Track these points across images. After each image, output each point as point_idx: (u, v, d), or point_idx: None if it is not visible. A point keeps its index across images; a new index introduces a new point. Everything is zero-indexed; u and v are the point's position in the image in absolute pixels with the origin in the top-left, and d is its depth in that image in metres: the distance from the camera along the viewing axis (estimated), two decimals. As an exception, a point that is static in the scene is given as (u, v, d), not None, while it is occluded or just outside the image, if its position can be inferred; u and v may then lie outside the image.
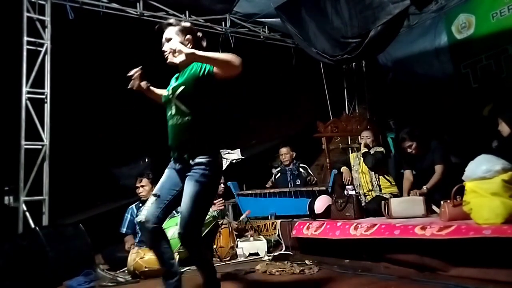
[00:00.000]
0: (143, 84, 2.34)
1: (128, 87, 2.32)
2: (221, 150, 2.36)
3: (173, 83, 2.27)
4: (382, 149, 4.31)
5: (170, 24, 2.24)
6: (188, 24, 2.28)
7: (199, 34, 2.30)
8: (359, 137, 4.58)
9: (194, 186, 2.08)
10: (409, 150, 3.91)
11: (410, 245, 2.79)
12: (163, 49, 2.22)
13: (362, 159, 4.30)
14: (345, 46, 4.70)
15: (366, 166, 4.26)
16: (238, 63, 1.97)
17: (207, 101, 2.13)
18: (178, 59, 2.05)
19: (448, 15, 5.55)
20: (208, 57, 1.98)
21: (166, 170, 2.26)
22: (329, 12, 4.73)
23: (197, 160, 2.10)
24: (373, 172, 4.23)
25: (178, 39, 2.19)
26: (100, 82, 4.71)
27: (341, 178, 4.48)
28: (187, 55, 1.95)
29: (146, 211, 2.13)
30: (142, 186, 4.15)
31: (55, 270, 3.12)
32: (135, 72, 2.30)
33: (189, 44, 2.19)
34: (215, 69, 2.05)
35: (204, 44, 2.29)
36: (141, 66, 2.33)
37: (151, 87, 2.42)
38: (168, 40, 2.21)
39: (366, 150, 4.29)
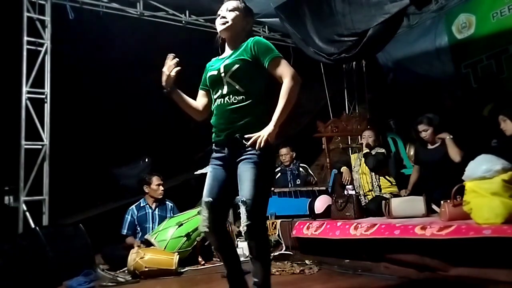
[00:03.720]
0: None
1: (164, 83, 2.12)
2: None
3: (220, 62, 2.11)
4: (383, 150, 4.30)
5: None
6: (252, 9, 2.24)
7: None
8: (361, 136, 4.57)
9: (252, 169, 1.92)
10: (423, 135, 3.93)
11: (410, 245, 2.79)
12: (220, 14, 2.14)
13: (363, 159, 4.29)
14: (341, 44, 4.70)
15: (367, 167, 4.26)
16: (300, 82, 2.00)
17: (261, 80, 2.07)
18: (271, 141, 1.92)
19: (449, 15, 5.54)
20: (286, 112, 1.96)
21: (210, 171, 2.10)
22: (328, 12, 4.73)
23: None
24: (373, 173, 4.23)
25: (241, 16, 2.13)
26: (100, 82, 4.72)
27: (341, 178, 4.47)
28: (273, 137, 1.93)
29: (206, 222, 2.00)
30: (162, 184, 4.17)
31: (55, 270, 3.11)
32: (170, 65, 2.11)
33: (248, 26, 2.18)
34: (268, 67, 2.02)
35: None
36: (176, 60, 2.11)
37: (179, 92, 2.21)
38: (231, 10, 2.13)
39: (368, 150, 4.28)
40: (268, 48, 2.04)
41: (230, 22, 2.10)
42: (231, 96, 2.03)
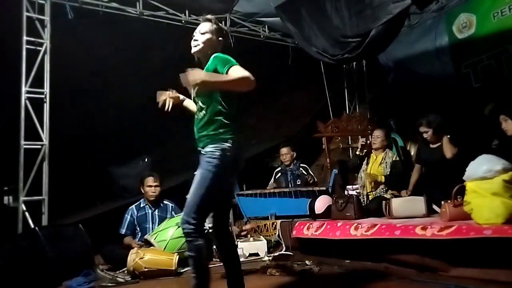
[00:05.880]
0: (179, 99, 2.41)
1: (165, 108, 2.33)
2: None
3: None
4: (396, 157, 4.29)
5: (209, 20, 2.32)
6: (226, 28, 2.35)
7: (230, 41, 2.42)
8: (361, 136, 4.54)
9: (200, 174, 2.13)
10: (424, 136, 4.01)
11: (411, 245, 2.78)
12: (194, 37, 2.29)
13: (370, 159, 4.28)
14: (345, 45, 4.69)
15: (373, 168, 4.24)
16: (251, 82, 2.04)
17: (217, 94, 2.17)
18: (193, 82, 2.01)
19: (449, 14, 5.53)
20: (221, 83, 2.04)
21: None
22: (329, 12, 4.72)
23: (206, 149, 2.16)
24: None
25: (212, 38, 2.27)
26: (100, 82, 4.70)
27: (341, 178, 4.46)
28: (198, 84, 1.99)
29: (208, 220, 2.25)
30: (157, 186, 4.14)
31: (55, 270, 3.11)
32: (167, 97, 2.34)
33: (219, 46, 2.30)
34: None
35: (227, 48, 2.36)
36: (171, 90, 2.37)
37: (185, 101, 2.45)
38: (203, 33, 2.28)
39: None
40: (226, 60, 2.14)
41: (200, 45, 2.26)
42: (198, 112, 2.25)
